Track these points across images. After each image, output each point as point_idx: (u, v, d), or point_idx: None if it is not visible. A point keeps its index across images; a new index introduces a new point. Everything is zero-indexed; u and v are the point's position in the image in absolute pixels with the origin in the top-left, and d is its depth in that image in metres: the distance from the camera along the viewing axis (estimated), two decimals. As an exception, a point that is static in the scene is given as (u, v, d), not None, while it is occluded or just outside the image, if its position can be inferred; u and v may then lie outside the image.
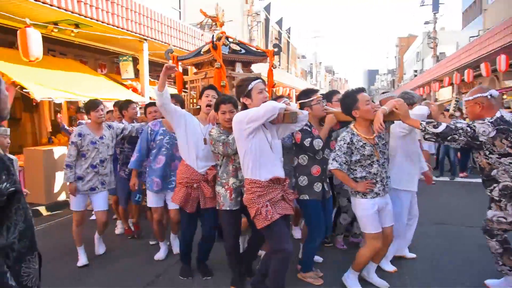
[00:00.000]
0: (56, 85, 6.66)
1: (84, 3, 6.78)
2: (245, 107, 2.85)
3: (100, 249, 4.19)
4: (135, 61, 9.59)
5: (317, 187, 3.23)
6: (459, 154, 8.68)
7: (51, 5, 6.08)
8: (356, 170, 2.96)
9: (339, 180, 3.42)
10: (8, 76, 5.80)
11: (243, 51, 4.46)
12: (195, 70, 5.13)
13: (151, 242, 4.46)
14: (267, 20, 33.17)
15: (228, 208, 3.03)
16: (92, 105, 3.84)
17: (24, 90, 5.84)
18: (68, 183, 3.80)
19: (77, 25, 7.43)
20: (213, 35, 4.28)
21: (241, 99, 2.86)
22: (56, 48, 9.57)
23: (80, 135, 3.78)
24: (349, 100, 2.94)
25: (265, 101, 2.76)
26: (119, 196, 4.76)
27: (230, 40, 4.45)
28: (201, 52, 4.46)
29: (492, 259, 3.06)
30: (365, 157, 2.90)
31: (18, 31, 5.91)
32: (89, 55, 10.43)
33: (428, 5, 28.58)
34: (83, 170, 3.80)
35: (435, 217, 5.31)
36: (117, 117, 4.99)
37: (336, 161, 2.90)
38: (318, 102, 3.23)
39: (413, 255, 3.82)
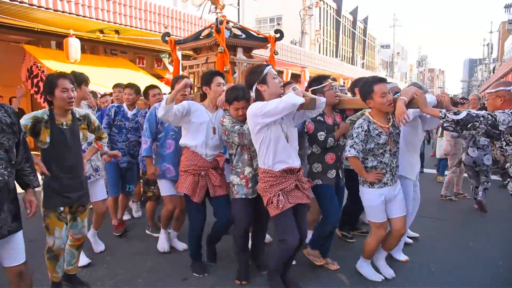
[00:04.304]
0: (95, 80, 8.46)
1: (118, 14, 8.47)
2: (258, 93, 2.73)
3: (99, 246, 3.80)
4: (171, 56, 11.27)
5: (331, 173, 3.20)
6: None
7: (90, 18, 7.85)
8: (367, 159, 2.93)
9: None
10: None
11: (243, 35, 4.28)
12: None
13: (155, 235, 4.10)
14: (338, 11, 32.89)
15: (243, 196, 2.97)
16: (86, 79, 3.42)
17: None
18: None
19: (117, 31, 9.20)
20: (216, 19, 4.12)
21: (255, 85, 2.72)
22: (117, 48, 11.77)
23: None
24: (365, 89, 2.89)
25: (281, 86, 2.71)
26: (108, 184, 4.36)
27: (231, 24, 4.28)
28: (201, 36, 4.27)
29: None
30: (379, 146, 2.87)
31: (63, 40, 7.82)
32: (145, 52, 12.44)
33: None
34: None
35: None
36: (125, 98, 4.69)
37: (354, 149, 2.84)
38: (330, 88, 3.13)
39: (410, 241, 3.85)
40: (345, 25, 34.87)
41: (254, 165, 2.95)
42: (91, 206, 3.33)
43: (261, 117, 2.58)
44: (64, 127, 2.64)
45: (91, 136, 3.11)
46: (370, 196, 2.95)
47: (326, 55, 29.14)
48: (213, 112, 3.21)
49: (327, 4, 31.23)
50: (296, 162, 2.75)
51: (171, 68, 11.51)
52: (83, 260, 3.36)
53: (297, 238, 2.69)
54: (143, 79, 10.01)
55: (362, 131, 2.85)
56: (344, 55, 34.96)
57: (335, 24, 32.93)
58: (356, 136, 2.85)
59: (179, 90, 3.05)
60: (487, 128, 2.66)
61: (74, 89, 2.68)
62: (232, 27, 4.25)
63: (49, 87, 2.60)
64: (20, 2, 6.57)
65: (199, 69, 4.24)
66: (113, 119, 4.25)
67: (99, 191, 3.48)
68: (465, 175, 5.72)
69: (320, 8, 28.48)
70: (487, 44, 46.89)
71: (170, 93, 3.36)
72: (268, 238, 3.79)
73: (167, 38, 4.43)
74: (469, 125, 2.66)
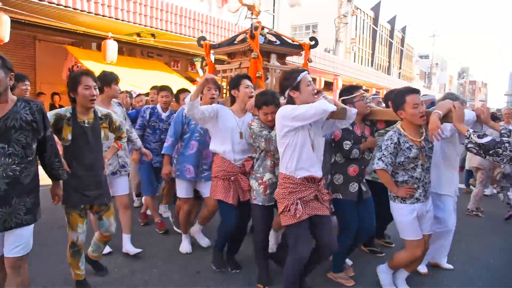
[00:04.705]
0: (130, 80, 8.84)
1: (155, 18, 8.81)
2: (290, 99, 2.70)
3: (134, 249, 3.64)
4: (204, 60, 11.57)
5: (353, 187, 3.08)
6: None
7: (128, 22, 8.23)
8: (398, 173, 2.82)
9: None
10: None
11: (278, 42, 4.32)
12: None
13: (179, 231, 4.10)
14: (375, 20, 32.40)
15: (260, 203, 2.98)
16: (115, 78, 3.47)
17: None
18: None
19: (153, 35, 9.56)
20: (251, 24, 4.16)
21: (287, 91, 2.69)
22: (153, 51, 12.22)
23: None
24: (397, 99, 2.79)
25: (314, 94, 2.66)
26: (143, 184, 4.54)
27: (266, 30, 4.31)
28: (235, 42, 4.33)
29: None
30: (410, 160, 2.75)
31: (102, 42, 8.25)
32: (179, 56, 12.84)
33: None
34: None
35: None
36: (151, 100, 5.20)
37: (382, 161, 2.73)
38: (361, 99, 3.06)
39: (450, 266, 3.58)
40: (381, 34, 34.27)
41: (276, 172, 2.92)
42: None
43: (290, 120, 2.55)
44: (86, 125, 2.67)
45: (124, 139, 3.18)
46: (402, 212, 2.82)
47: (362, 64, 28.73)
48: (241, 116, 3.23)
49: (364, 12, 30.85)
50: (318, 172, 2.69)
51: (201, 72, 11.84)
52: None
53: (309, 250, 2.63)
54: (176, 82, 10.33)
55: (391, 143, 2.75)
56: (380, 64, 34.30)
57: (372, 33, 32.43)
58: (385, 149, 2.76)
59: (202, 85, 3.07)
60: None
61: (96, 87, 2.71)
62: (267, 33, 4.28)
63: (73, 84, 2.64)
64: (65, 7, 7.01)
65: (232, 73, 4.26)
66: (148, 120, 4.36)
67: (122, 186, 3.57)
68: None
69: (356, 16, 28.17)
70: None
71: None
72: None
73: (202, 42, 4.52)
74: (491, 151, 2.48)
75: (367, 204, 3.21)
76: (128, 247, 3.63)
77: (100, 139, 2.78)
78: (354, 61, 26.46)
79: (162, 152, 3.69)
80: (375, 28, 32.33)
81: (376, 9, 32.09)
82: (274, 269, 3.24)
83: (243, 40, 4.16)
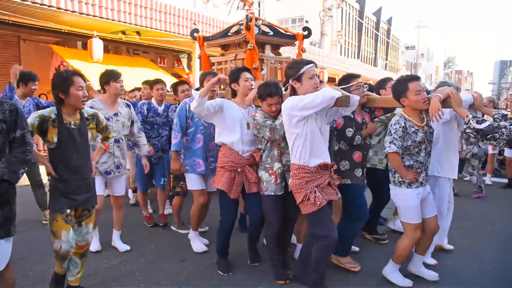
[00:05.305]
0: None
1: (140, 16, 8.88)
2: (292, 89, 2.77)
3: (124, 246, 3.71)
4: (190, 56, 11.68)
5: (358, 172, 3.18)
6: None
7: (112, 20, 8.30)
8: (403, 158, 2.88)
9: None
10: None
11: (271, 33, 4.30)
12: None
13: (181, 231, 4.16)
14: (361, 12, 32.65)
15: (272, 193, 3.00)
16: (115, 75, 3.48)
17: (87, 82, 8.19)
18: None
19: (138, 33, 9.63)
20: (246, 15, 4.12)
21: (290, 81, 2.76)
22: (139, 48, 12.27)
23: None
24: (400, 87, 2.86)
25: (316, 87, 2.68)
26: (138, 180, 4.57)
27: (259, 21, 4.27)
28: (229, 33, 4.31)
29: None
30: (415, 144, 2.83)
31: (88, 41, 8.30)
32: (165, 52, 12.90)
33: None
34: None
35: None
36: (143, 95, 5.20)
37: (394, 144, 2.78)
38: (358, 87, 3.11)
39: (451, 246, 3.72)
40: (367, 26, 34.54)
41: (284, 161, 2.98)
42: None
43: (299, 110, 2.59)
44: (72, 126, 2.55)
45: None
46: (408, 197, 2.86)
47: (348, 56, 28.98)
48: (245, 108, 3.24)
49: (349, 5, 31.06)
50: (328, 158, 2.77)
51: (187, 69, 11.94)
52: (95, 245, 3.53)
53: (335, 231, 2.70)
54: (163, 78, 10.40)
55: (400, 127, 2.80)
56: (367, 56, 34.63)
57: (358, 25, 32.68)
58: (395, 132, 2.80)
59: (214, 83, 3.08)
60: (509, 139, 2.58)
61: (85, 88, 2.64)
62: (261, 24, 4.27)
63: (64, 84, 2.50)
64: (49, 6, 7.06)
65: (227, 65, 4.30)
66: (146, 116, 4.34)
67: (119, 186, 3.60)
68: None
69: (342, 9, 28.39)
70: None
71: (197, 89, 3.59)
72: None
73: (195, 35, 4.51)
74: (488, 136, 2.61)
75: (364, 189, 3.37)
76: (118, 243, 3.72)
77: (87, 140, 2.68)
78: (341, 54, 26.69)
79: (173, 149, 3.62)
80: (361, 20, 32.59)
81: (361, 1, 32.31)
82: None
83: (238, 32, 4.18)
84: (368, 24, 34.81)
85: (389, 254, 3.15)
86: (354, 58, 30.11)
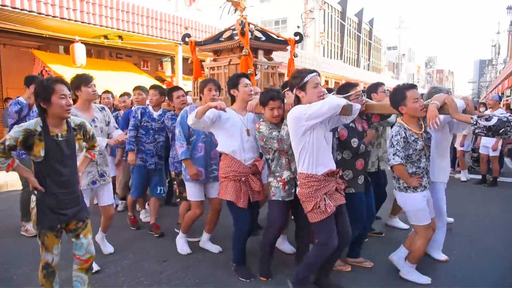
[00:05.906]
0: (101, 83, 8.92)
1: (122, 20, 8.92)
2: (297, 98, 2.78)
3: (108, 249, 3.75)
4: (173, 60, 11.73)
5: (360, 179, 3.23)
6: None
7: (94, 25, 8.33)
8: (406, 166, 2.95)
9: None
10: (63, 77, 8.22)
11: (264, 38, 4.29)
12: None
13: (190, 239, 3.98)
14: (343, 13, 33.14)
15: (280, 199, 3.03)
16: (85, 79, 3.29)
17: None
18: None
19: (120, 37, 9.67)
20: (242, 21, 4.09)
21: (294, 90, 2.77)
22: (122, 52, 12.28)
23: None
24: (398, 96, 2.91)
25: (320, 96, 2.69)
26: (133, 186, 4.44)
27: (252, 26, 4.27)
28: (221, 38, 4.28)
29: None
30: (417, 152, 2.91)
31: (70, 46, 8.32)
32: (148, 56, 12.93)
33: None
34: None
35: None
36: (135, 100, 4.97)
37: (398, 156, 2.86)
38: (357, 96, 3.12)
39: (445, 257, 3.56)
40: (349, 28, 35.07)
41: (293, 168, 3.00)
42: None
43: (305, 120, 2.60)
44: (60, 138, 2.38)
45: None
46: (416, 201, 2.96)
47: (331, 57, 29.41)
48: (244, 114, 3.23)
49: (331, 7, 31.52)
50: (334, 165, 2.81)
51: (169, 72, 12.02)
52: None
53: (337, 240, 2.74)
54: (145, 82, 10.45)
55: (401, 138, 2.88)
56: (349, 57, 35.15)
57: (340, 27, 33.17)
58: (397, 143, 2.88)
59: (210, 107, 2.96)
60: None
61: (70, 96, 2.45)
62: (255, 29, 4.27)
63: (45, 93, 2.33)
64: (29, 11, 7.06)
65: (220, 71, 4.27)
66: (139, 121, 4.24)
67: (106, 195, 3.47)
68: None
69: (324, 11, 28.78)
70: (495, 45, 46.57)
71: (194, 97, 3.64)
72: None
73: (187, 39, 4.48)
74: (500, 131, 2.66)
75: (369, 193, 3.42)
76: (102, 244, 3.75)
77: (75, 152, 2.52)
78: (324, 55, 27.06)
79: (181, 158, 3.53)
80: (343, 22, 33.10)
81: (343, 3, 32.82)
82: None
83: (231, 37, 4.16)
84: (350, 25, 35.37)
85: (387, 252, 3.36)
86: (337, 59, 30.56)
